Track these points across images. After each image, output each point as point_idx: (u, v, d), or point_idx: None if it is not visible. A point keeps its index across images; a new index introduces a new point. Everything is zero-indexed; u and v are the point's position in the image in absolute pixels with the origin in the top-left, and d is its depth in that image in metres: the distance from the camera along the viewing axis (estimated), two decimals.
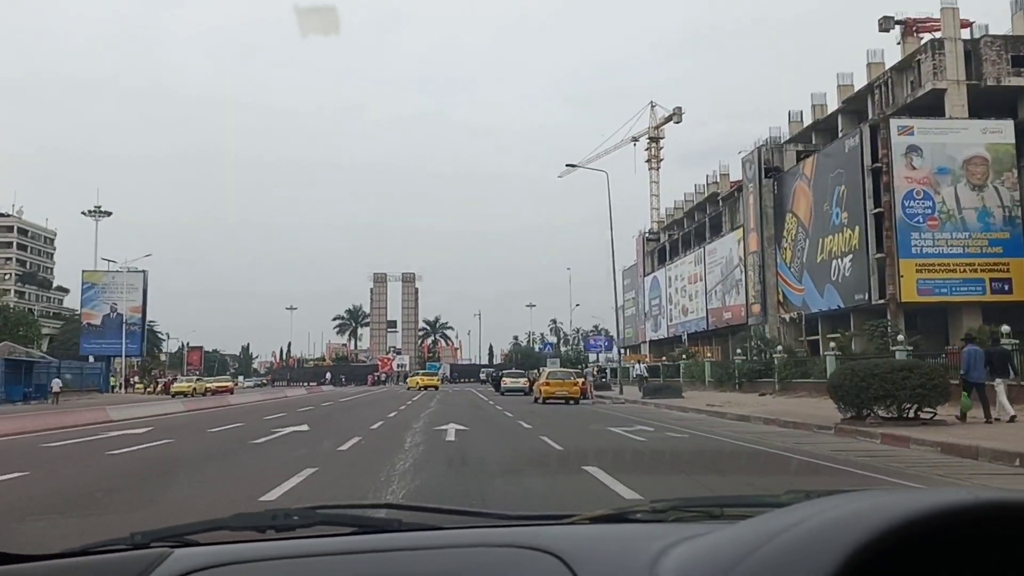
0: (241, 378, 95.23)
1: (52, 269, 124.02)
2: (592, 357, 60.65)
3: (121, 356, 68.65)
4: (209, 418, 23.24)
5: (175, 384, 56.97)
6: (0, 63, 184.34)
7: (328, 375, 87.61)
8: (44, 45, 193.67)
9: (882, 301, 46.25)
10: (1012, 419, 16.02)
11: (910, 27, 54.49)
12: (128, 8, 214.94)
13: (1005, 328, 23.08)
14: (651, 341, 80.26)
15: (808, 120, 61.07)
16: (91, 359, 65.32)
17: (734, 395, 33.43)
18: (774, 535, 1.10)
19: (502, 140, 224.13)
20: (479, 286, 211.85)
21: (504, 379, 47.58)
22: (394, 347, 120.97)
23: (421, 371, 77.64)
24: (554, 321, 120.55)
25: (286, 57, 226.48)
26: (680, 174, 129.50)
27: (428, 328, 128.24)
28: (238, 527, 1.56)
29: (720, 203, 71.10)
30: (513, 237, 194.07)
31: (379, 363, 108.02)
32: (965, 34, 49.79)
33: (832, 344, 30.16)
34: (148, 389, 63.56)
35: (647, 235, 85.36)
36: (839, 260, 50.10)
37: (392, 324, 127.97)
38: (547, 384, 31.89)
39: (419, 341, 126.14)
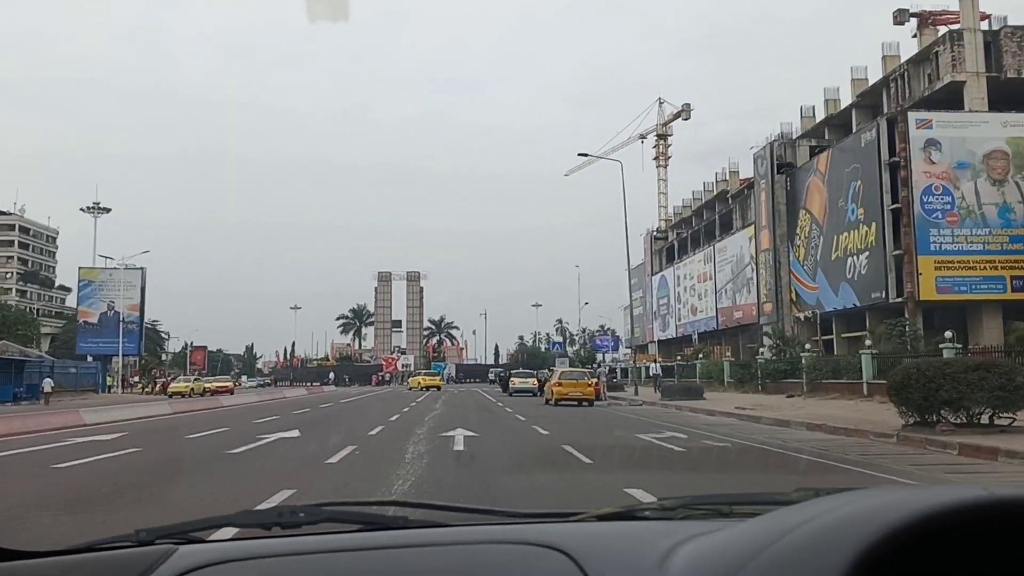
0: (244, 378, 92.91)
1: (54, 268, 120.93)
2: (598, 357, 58.47)
3: (119, 355, 66.05)
4: (194, 422, 20.92)
5: (173, 384, 54.31)
6: (3, 62, 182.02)
7: (331, 375, 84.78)
8: (45, 44, 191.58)
9: (900, 299, 44.52)
10: None
11: (925, 19, 52.41)
12: (131, 8, 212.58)
13: None
14: (659, 341, 78.16)
15: (821, 115, 58.93)
16: (89, 358, 62.84)
17: (759, 397, 31.01)
18: (785, 532, 1.07)
19: (505, 140, 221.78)
20: (483, 287, 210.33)
21: (512, 379, 45.05)
22: (399, 347, 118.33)
23: (423, 371, 75.28)
24: (560, 321, 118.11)
25: (290, 58, 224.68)
26: (686, 174, 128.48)
27: (433, 328, 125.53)
28: (243, 524, 1.54)
29: (730, 201, 69.04)
30: (517, 237, 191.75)
31: (383, 363, 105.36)
32: (983, 26, 47.90)
33: (868, 342, 27.79)
34: (146, 389, 60.94)
35: (655, 233, 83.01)
36: (855, 257, 48.20)
37: (397, 324, 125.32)
38: (559, 385, 29.38)
39: (424, 341, 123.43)
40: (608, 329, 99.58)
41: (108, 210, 66.20)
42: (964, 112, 45.64)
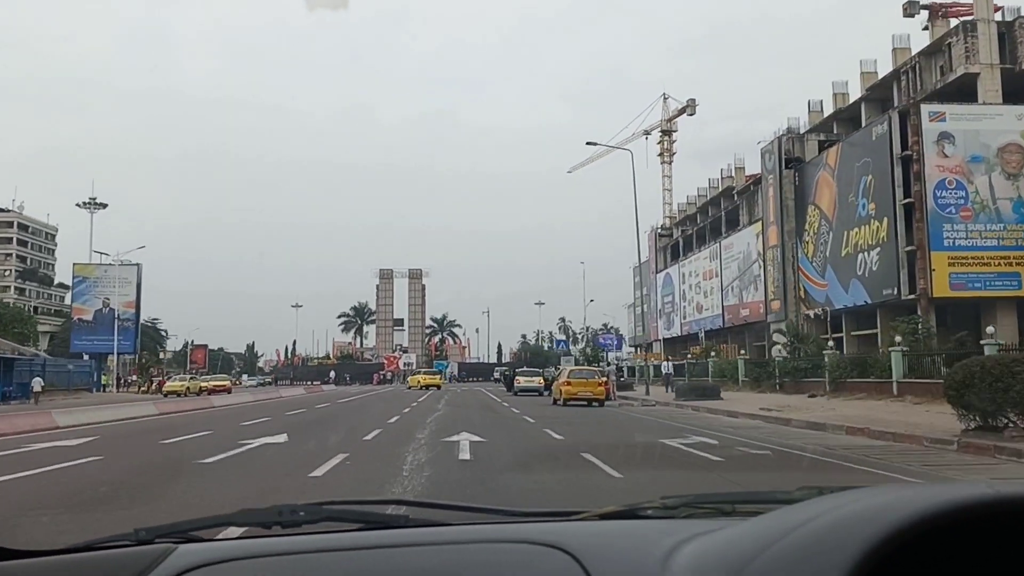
0: (245, 377, 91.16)
1: (53, 266, 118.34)
2: (607, 355, 56.48)
3: (114, 353, 63.83)
4: (176, 424, 19.10)
5: (168, 383, 52.30)
6: (4, 61, 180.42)
7: (332, 374, 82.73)
8: (45, 43, 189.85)
9: (912, 296, 43.01)
10: None
11: (936, 11, 50.83)
12: (132, 6, 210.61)
13: None
14: (664, 339, 76.42)
15: (829, 110, 57.23)
16: (86, 357, 60.71)
17: (777, 396, 29.15)
18: (789, 531, 1.06)
19: (506, 139, 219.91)
20: (485, 286, 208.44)
21: (518, 378, 42.91)
22: (400, 345, 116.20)
23: (423, 370, 73.14)
24: (563, 319, 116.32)
25: (291, 57, 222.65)
26: (688, 174, 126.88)
27: (436, 326, 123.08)
28: (243, 523, 1.50)
29: (736, 197, 67.39)
30: (519, 236, 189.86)
31: (385, 361, 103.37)
32: (997, 17, 46.33)
33: (897, 339, 25.91)
34: (143, 388, 58.86)
35: (659, 231, 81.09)
36: (865, 253, 46.59)
37: (399, 322, 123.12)
38: (568, 384, 27.39)
39: (426, 339, 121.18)
40: (611, 328, 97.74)
41: (104, 205, 64.52)
42: (978, 104, 44.16)
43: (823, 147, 53.02)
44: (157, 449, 13.33)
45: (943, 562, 1.05)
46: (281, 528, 1.45)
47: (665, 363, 43.24)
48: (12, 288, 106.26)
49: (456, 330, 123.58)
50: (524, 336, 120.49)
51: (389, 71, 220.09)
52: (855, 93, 54.44)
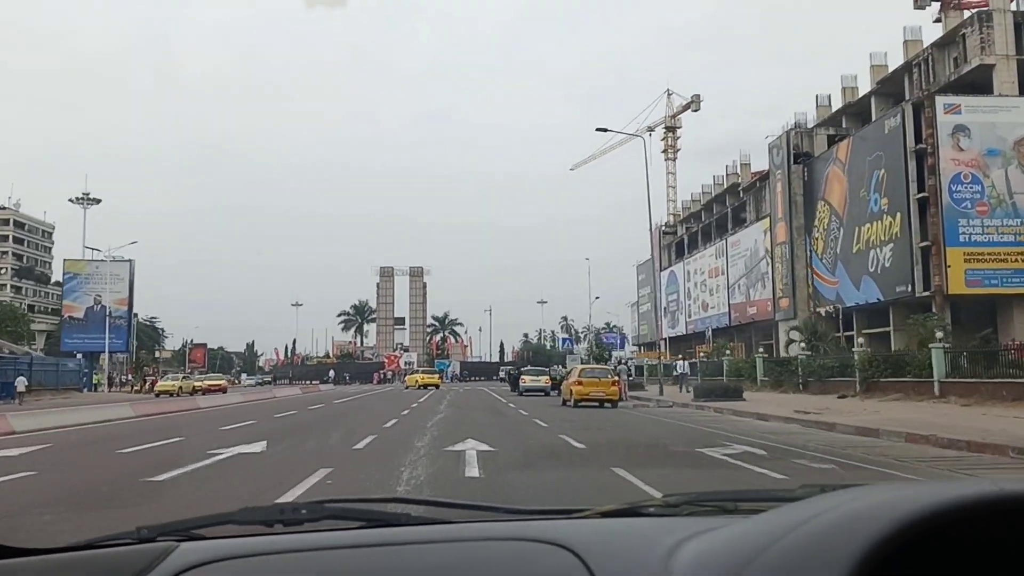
0: (244, 376, 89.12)
1: (50, 264, 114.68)
2: (614, 354, 54.44)
3: (105, 352, 61.06)
4: (147, 429, 16.82)
5: (160, 383, 49.89)
6: (4, 57, 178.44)
7: (331, 373, 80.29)
8: (45, 41, 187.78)
9: (927, 293, 41.35)
10: None
11: (948, 2, 49.08)
12: (132, 5, 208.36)
13: None
14: (668, 338, 74.50)
15: (837, 104, 55.36)
16: (79, 356, 58.31)
17: (802, 397, 27.07)
18: (791, 528, 1.05)
19: (508, 138, 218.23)
20: (487, 285, 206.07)
21: (523, 377, 40.73)
22: (401, 344, 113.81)
23: (421, 368, 70.74)
24: (564, 318, 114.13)
25: (294, 56, 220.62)
26: (690, 173, 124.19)
27: (437, 324, 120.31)
28: (245, 521, 1.48)
29: (741, 194, 65.52)
30: (520, 236, 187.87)
31: (385, 360, 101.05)
32: (1012, 7, 44.65)
33: (939, 334, 23.86)
34: (135, 388, 56.56)
35: (663, 228, 78.99)
36: (878, 250, 44.79)
37: (400, 321, 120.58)
38: (580, 383, 25.19)
39: (427, 338, 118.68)
40: (614, 327, 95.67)
41: (98, 201, 62.28)
42: (994, 96, 42.59)
43: (833, 141, 51.27)
44: (107, 462, 11.23)
45: (946, 560, 1.02)
46: (283, 526, 1.43)
47: (680, 362, 41.02)
48: (8, 286, 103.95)
49: (458, 329, 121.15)
50: (526, 335, 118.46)
51: (391, 68, 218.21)
52: (864, 87, 52.72)
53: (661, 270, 78.72)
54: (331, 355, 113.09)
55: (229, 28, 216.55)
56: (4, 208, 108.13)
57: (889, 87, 49.82)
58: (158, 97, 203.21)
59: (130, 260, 66.23)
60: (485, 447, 11.81)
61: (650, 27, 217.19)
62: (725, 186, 70.38)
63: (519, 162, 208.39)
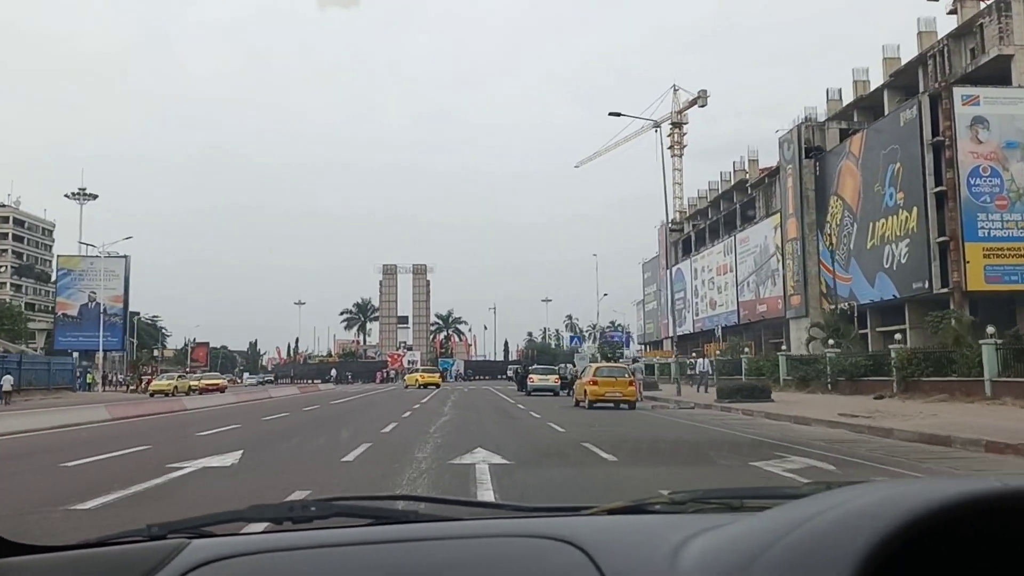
0: (246, 375, 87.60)
1: (50, 262, 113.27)
2: (625, 352, 52.80)
3: (99, 350, 59.11)
4: (113, 435, 15.17)
5: (155, 382, 48.02)
6: (5, 57, 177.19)
7: (333, 372, 78.59)
8: (45, 40, 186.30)
9: (945, 290, 39.78)
10: None
11: None
12: (133, 5, 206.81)
13: None
14: (676, 336, 73.03)
15: (849, 98, 53.79)
16: (75, 355, 56.49)
17: (834, 398, 25.40)
18: (797, 525, 1.05)
19: (510, 137, 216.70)
20: (491, 284, 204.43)
21: (531, 376, 38.80)
22: (404, 342, 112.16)
23: (421, 367, 69.02)
24: (569, 317, 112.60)
25: (297, 55, 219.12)
26: (695, 171, 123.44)
27: (441, 323, 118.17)
28: (255, 519, 1.49)
29: (750, 190, 63.99)
30: (523, 235, 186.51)
31: (388, 359, 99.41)
32: None
33: (989, 330, 22.24)
34: (131, 387, 54.97)
35: (670, 225, 77.42)
36: (893, 245, 43.27)
37: (403, 319, 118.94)
38: (595, 383, 23.48)
39: (431, 336, 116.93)
40: (619, 325, 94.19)
41: (95, 196, 60.77)
42: (1013, 88, 41.08)
43: (845, 135, 49.71)
44: (40, 479, 9.51)
45: (952, 557, 1.02)
46: (292, 523, 1.44)
47: (701, 360, 39.27)
48: (8, 284, 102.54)
49: (461, 327, 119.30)
50: (531, 334, 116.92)
51: (395, 68, 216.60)
52: (876, 81, 51.21)
53: (668, 268, 77.33)
54: (334, 354, 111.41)
55: (230, 28, 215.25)
56: (4, 206, 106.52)
57: (903, 80, 48.31)
58: (158, 97, 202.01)
59: (125, 256, 64.45)
60: (498, 459, 10.19)
61: (652, 26, 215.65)
62: (733, 183, 68.88)
63: (522, 161, 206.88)
